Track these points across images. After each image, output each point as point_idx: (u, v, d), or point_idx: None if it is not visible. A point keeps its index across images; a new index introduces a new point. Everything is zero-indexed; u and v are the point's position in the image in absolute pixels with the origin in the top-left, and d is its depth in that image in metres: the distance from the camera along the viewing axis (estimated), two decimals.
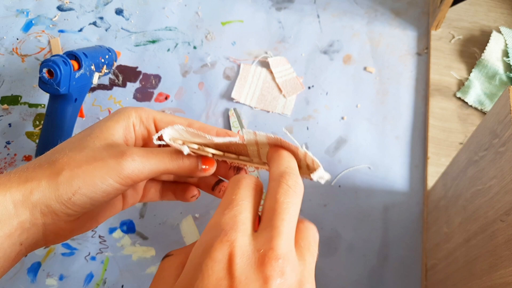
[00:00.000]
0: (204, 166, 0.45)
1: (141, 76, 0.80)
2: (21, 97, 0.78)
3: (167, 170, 0.44)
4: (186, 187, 0.53)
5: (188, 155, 0.44)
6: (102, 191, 0.42)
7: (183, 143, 0.43)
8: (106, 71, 0.75)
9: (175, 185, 0.53)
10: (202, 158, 0.46)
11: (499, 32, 0.82)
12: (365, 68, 0.81)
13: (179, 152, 0.44)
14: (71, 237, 0.45)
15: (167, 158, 0.44)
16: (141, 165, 0.42)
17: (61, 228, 0.43)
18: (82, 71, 0.67)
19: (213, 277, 0.31)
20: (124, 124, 0.45)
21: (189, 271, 0.33)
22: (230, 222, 0.34)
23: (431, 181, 0.70)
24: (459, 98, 0.76)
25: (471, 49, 0.81)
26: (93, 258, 0.67)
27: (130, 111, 0.46)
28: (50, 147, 0.67)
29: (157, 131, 0.48)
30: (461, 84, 0.78)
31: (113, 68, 0.79)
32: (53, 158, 0.42)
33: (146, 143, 0.48)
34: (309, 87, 0.79)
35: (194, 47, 0.83)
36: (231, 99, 0.77)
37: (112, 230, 0.68)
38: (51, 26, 0.85)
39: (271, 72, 0.80)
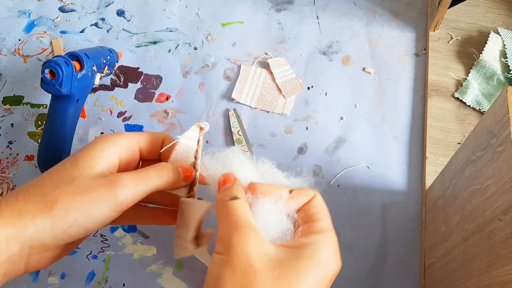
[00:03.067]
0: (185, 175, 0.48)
1: (142, 77, 0.80)
2: (23, 97, 0.78)
3: (156, 188, 0.46)
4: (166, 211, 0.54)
5: (172, 168, 0.47)
6: (98, 221, 0.43)
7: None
8: (107, 71, 0.75)
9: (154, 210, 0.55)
10: (183, 168, 0.48)
11: (497, 33, 0.82)
12: (363, 69, 0.81)
13: (163, 168, 0.46)
14: (49, 264, 0.45)
15: (155, 177, 0.45)
16: (133, 190, 0.43)
17: (45, 257, 0.44)
18: (84, 71, 0.68)
19: None
20: (108, 153, 0.46)
21: None
22: None
23: (429, 180, 0.70)
24: (457, 99, 0.77)
25: (469, 50, 0.82)
26: (94, 257, 0.67)
27: (114, 140, 0.47)
28: (52, 147, 0.67)
29: (141, 153, 0.50)
30: (459, 85, 0.78)
31: (115, 68, 0.80)
32: (44, 191, 0.42)
33: (130, 165, 0.49)
34: (308, 88, 0.80)
35: (195, 48, 0.83)
36: (232, 100, 0.78)
37: (113, 229, 0.69)
38: (53, 27, 0.85)
39: (271, 73, 0.80)
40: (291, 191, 0.45)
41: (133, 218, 0.53)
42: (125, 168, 0.48)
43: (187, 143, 0.50)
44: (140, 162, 0.52)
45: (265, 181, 0.47)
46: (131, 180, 0.43)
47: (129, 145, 0.48)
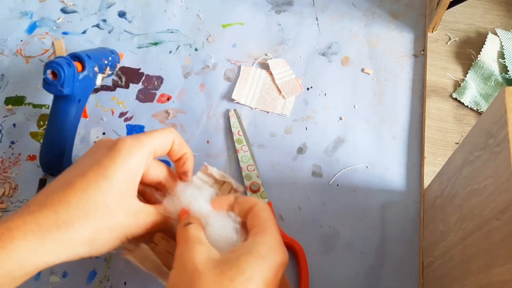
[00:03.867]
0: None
1: (143, 78, 0.81)
2: (25, 98, 0.79)
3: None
4: None
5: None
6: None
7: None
8: (109, 72, 0.76)
9: None
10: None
11: (495, 34, 0.83)
12: (362, 70, 0.82)
13: (157, 211, 0.55)
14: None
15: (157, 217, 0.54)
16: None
17: None
18: (85, 72, 0.68)
19: None
20: (137, 167, 0.52)
21: None
22: None
23: (427, 180, 0.71)
24: (455, 99, 0.77)
25: (467, 51, 0.82)
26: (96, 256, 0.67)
27: (139, 149, 0.52)
28: (54, 147, 0.68)
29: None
30: (457, 85, 0.79)
31: (116, 69, 0.80)
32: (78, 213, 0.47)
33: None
34: (307, 88, 0.80)
35: (196, 49, 0.84)
36: (232, 100, 0.78)
37: None
38: (54, 28, 0.85)
39: (270, 74, 0.81)
40: (236, 198, 0.55)
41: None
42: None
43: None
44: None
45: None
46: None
47: (149, 153, 0.53)
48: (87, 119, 0.77)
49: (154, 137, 0.53)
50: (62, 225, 0.45)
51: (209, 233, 0.51)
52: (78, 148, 0.74)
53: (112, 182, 0.48)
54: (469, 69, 0.80)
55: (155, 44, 0.84)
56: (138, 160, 0.50)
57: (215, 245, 0.49)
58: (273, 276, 0.44)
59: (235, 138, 0.74)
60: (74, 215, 0.46)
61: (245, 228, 0.53)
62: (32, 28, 0.85)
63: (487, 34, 0.83)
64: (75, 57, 0.68)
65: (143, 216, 0.52)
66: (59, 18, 0.87)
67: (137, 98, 0.79)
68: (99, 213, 0.47)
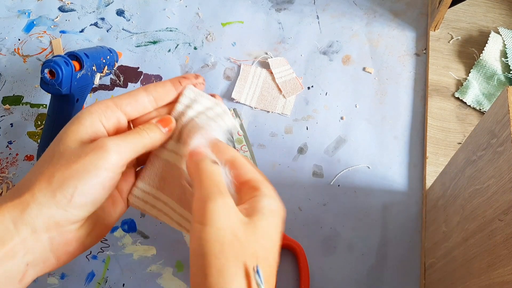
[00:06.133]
0: (165, 129, 0.48)
1: (142, 77, 0.80)
2: (22, 97, 0.78)
3: (144, 148, 0.46)
4: None
5: (148, 125, 0.48)
6: (99, 184, 0.42)
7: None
8: (107, 71, 0.75)
9: None
10: (160, 121, 0.48)
11: (498, 32, 0.82)
12: (364, 69, 0.81)
13: (142, 129, 0.47)
14: (83, 251, 0.45)
15: (137, 137, 0.46)
16: (122, 148, 0.44)
17: (69, 240, 0.43)
18: (83, 71, 0.68)
19: None
20: (88, 123, 0.45)
21: None
22: None
23: (429, 180, 0.70)
24: (458, 98, 0.77)
25: (470, 50, 0.81)
26: (94, 257, 0.67)
27: (90, 109, 0.46)
28: None
29: (128, 114, 0.48)
30: (460, 85, 0.78)
31: (114, 68, 0.80)
32: (39, 171, 0.42)
33: (118, 131, 0.48)
34: (308, 88, 0.79)
35: (195, 48, 0.83)
36: (232, 99, 0.78)
37: (113, 229, 0.69)
38: (52, 27, 0.85)
39: (271, 73, 0.80)
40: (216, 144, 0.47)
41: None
42: (117, 133, 0.48)
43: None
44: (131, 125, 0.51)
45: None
46: (115, 141, 0.43)
47: (105, 108, 0.47)
48: None
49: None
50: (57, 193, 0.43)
51: None
52: None
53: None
54: (472, 68, 0.79)
55: (154, 42, 0.84)
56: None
57: None
58: (282, 229, 0.44)
59: (235, 138, 0.74)
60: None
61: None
62: (29, 27, 0.85)
63: (489, 32, 0.82)
64: (73, 56, 0.67)
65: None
66: (57, 17, 0.86)
67: None
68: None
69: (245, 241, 0.39)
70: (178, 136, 0.49)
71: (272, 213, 0.43)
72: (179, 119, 0.49)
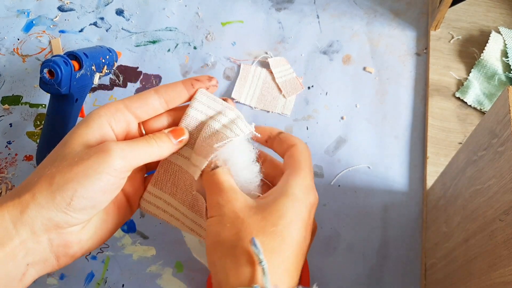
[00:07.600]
0: (176, 141, 0.47)
1: (141, 76, 0.80)
2: (22, 97, 0.78)
3: (151, 158, 0.45)
4: None
5: (159, 134, 0.47)
6: (100, 188, 0.42)
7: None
8: (106, 71, 0.75)
9: None
10: (172, 132, 0.47)
11: (498, 32, 0.82)
12: (364, 68, 0.81)
13: (151, 138, 0.46)
14: (84, 253, 0.45)
15: (145, 146, 0.45)
16: (128, 153, 0.43)
17: (69, 242, 0.43)
18: (82, 71, 0.67)
19: None
20: (97, 126, 0.45)
21: None
22: None
23: (430, 180, 0.70)
24: (458, 98, 0.77)
25: (470, 49, 0.81)
26: (93, 258, 0.67)
27: (99, 111, 0.46)
28: (51, 147, 0.67)
29: (138, 116, 0.48)
30: (460, 84, 0.78)
31: (114, 68, 0.79)
32: (41, 173, 0.42)
33: (128, 134, 0.48)
34: (308, 87, 0.79)
35: (195, 48, 0.83)
36: (231, 99, 0.77)
37: None
38: (51, 26, 0.85)
39: (271, 72, 0.80)
40: (279, 133, 0.50)
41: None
42: (126, 137, 0.48)
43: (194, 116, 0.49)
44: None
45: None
46: (120, 146, 0.43)
47: (115, 111, 0.46)
48: None
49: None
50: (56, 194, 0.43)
51: (236, 178, 0.47)
52: None
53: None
54: (472, 68, 0.79)
55: (153, 42, 0.83)
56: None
57: (242, 189, 0.46)
58: (307, 217, 0.44)
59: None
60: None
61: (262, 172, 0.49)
62: (29, 27, 0.85)
63: (490, 32, 0.82)
64: (72, 55, 0.67)
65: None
66: (56, 17, 0.86)
67: None
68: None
69: (248, 222, 0.42)
70: (192, 142, 0.48)
71: (296, 200, 0.44)
72: (191, 124, 0.48)
